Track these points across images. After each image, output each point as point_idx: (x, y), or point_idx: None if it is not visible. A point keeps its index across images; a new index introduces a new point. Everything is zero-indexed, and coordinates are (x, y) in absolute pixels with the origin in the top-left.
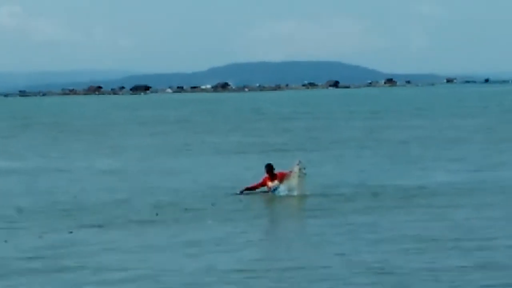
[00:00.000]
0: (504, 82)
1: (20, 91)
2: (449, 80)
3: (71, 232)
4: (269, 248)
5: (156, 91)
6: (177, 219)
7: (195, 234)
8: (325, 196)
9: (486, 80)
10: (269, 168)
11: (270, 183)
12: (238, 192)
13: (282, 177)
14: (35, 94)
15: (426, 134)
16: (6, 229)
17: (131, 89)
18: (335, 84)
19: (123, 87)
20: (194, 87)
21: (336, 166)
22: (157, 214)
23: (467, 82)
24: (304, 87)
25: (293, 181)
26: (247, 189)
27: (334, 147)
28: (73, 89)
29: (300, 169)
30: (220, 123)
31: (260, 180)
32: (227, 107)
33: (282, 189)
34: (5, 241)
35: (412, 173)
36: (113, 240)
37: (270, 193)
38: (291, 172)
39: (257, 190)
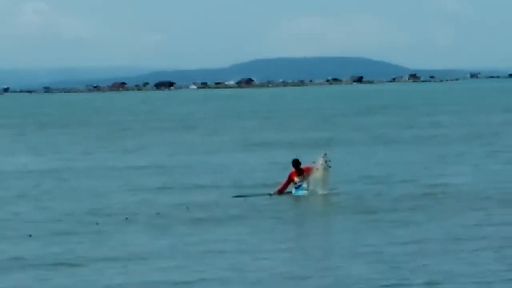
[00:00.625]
0: None
1: (44, 88)
2: (473, 75)
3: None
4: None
5: (180, 87)
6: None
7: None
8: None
9: (511, 75)
10: (296, 163)
11: (296, 178)
12: (271, 193)
13: (308, 172)
14: (59, 90)
15: None
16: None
17: (155, 85)
18: (359, 80)
19: (147, 83)
20: (218, 83)
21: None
22: (187, 208)
23: (491, 77)
24: (327, 82)
25: (318, 174)
26: (280, 191)
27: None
28: (97, 86)
29: (325, 162)
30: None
31: (287, 177)
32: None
33: (304, 187)
34: (30, 236)
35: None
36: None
37: (292, 193)
38: (315, 164)
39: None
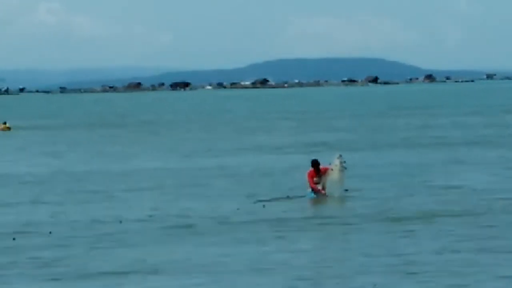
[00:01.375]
0: None
1: (60, 88)
2: (489, 76)
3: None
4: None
5: (195, 88)
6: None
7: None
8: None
9: None
10: (316, 163)
11: (315, 179)
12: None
13: (325, 172)
14: (75, 91)
15: None
16: None
17: (170, 86)
18: (375, 80)
19: (162, 84)
20: (234, 84)
21: None
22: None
23: (507, 78)
24: (343, 83)
25: (335, 174)
26: (316, 190)
27: None
28: (113, 86)
29: (340, 163)
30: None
31: (308, 177)
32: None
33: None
34: (50, 233)
35: None
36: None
37: (306, 196)
38: (331, 165)
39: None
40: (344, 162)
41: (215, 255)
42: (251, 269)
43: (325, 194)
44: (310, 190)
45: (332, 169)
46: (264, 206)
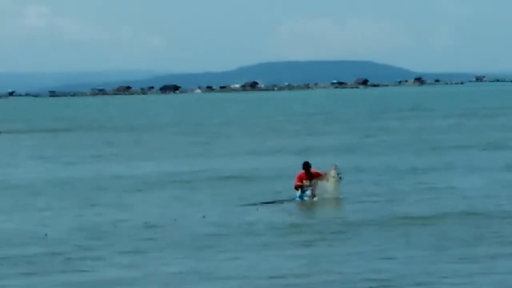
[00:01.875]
0: None
1: (50, 92)
2: (478, 78)
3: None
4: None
5: (185, 91)
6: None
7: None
8: None
9: None
10: (307, 166)
11: (305, 181)
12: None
13: (317, 177)
14: (65, 94)
15: None
16: None
17: (160, 89)
18: (364, 83)
19: (152, 87)
20: (223, 87)
21: None
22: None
23: (497, 80)
24: (332, 85)
25: (330, 184)
26: (296, 187)
27: None
28: (102, 89)
29: (337, 173)
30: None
31: (297, 178)
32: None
33: (308, 193)
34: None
35: None
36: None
37: (296, 199)
38: (326, 174)
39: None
40: (340, 172)
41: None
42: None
43: (314, 197)
44: (298, 193)
45: (327, 180)
46: (257, 209)
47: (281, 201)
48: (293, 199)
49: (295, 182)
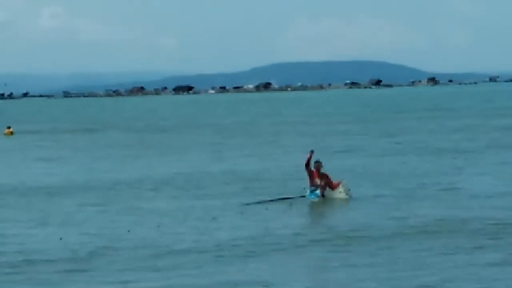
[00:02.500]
0: None
1: (64, 92)
2: (492, 79)
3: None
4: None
5: (198, 92)
6: None
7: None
8: None
9: None
10: (318, 165)
11: (317, 179)
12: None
13: (328, 182)
14: (79, 95)
15: None
16: None
17: (173, 90)
18: (377, 83)
19: (165, 88)
20: (237, 87)
21: None
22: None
23: (511, 80)
24: (346, 86)
25: (338, 195)
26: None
27: None
28: (116, 90)
29: (347, 190)
30: None
31: (310, 176)
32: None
33: (317, 193)
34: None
35: None
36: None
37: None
38: (335, 186)
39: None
40: (349, 190)
41: None
42: None
43: (323, 196)
44: (309, 190)
45: (339, 192)
46: (266, 208)
47: (291, 199)
48: (303, 196)
49: (309, 179)
